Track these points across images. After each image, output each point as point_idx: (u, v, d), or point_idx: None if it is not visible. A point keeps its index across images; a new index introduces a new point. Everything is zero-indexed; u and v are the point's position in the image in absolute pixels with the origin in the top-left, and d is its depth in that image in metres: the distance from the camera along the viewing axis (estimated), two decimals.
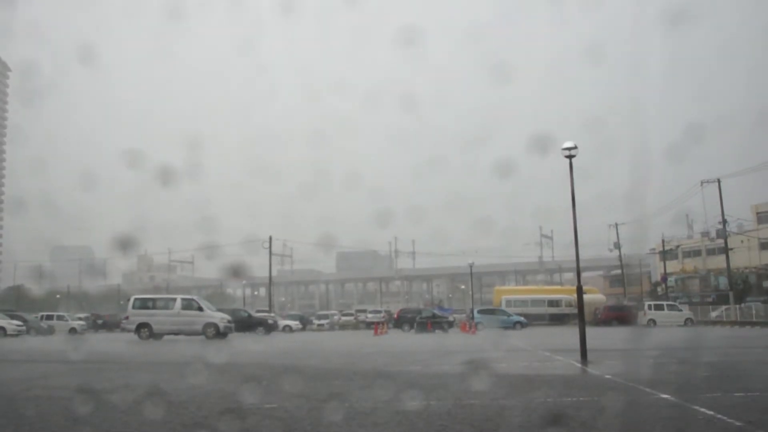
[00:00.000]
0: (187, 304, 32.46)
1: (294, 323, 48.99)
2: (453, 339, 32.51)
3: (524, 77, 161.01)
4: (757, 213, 68.78)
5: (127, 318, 33.08)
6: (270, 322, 43.41)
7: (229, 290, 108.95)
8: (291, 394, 10.61)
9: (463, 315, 56.18)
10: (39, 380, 13.48)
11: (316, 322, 55.08)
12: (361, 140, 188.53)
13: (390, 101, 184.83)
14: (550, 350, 20.87)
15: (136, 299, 33.72)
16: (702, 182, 52.70)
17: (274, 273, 77.80)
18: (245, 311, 44.78)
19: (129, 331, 32.42)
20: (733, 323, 45.47)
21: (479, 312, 50.83)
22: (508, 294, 60.99)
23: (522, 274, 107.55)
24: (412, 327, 44.16)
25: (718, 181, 51.34)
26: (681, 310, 49.36)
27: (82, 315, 58.81)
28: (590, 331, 18.37)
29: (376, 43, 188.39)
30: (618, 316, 51.67)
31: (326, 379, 13.06)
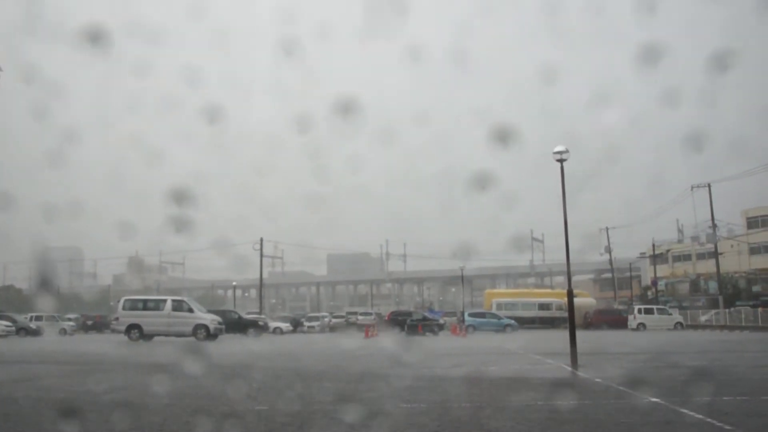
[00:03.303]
0: (178, 306, 32.35)
1: (284, 325, 48.83)
2: (443, 342, 32.51)
3: (519, 80, 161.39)
4: (747, 218, 69.16)
5: (117, 319, 32.96)
6: (260, 324, 43.28)
7: (220, 292, 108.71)
8: (281, 397, 10.60)
9: (454, 318, 56.20)
10: (26, 382, 13.43)
11: (307, 324, 54.91)
12: (355, 144, 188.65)
13: (387, 107, 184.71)
14: (541, 353, 20.91)
15: (126, 300, 33.57)
16: (692, 187, 52.90)
17: (265, 275, 77.71)
18: (236, 313, 44.57)
19: (119, 332, 32.30)
20: (722, 327, 45.66)
21: (470, 315, 50.85)
22: (499, 297, 61.00)
23: (513, 277, 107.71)
24: (402, 330, 44.13)
25: (709, 186, 51.60)
26: (671, 314, 49.52)
27: (71, 316, 58.58)
28: (580, 334, 18.43)
29: (376, 58, 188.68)
30: (608, 319, 51.84)
31: (316, 381, 13.05)
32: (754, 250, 67.03)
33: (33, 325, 45.46)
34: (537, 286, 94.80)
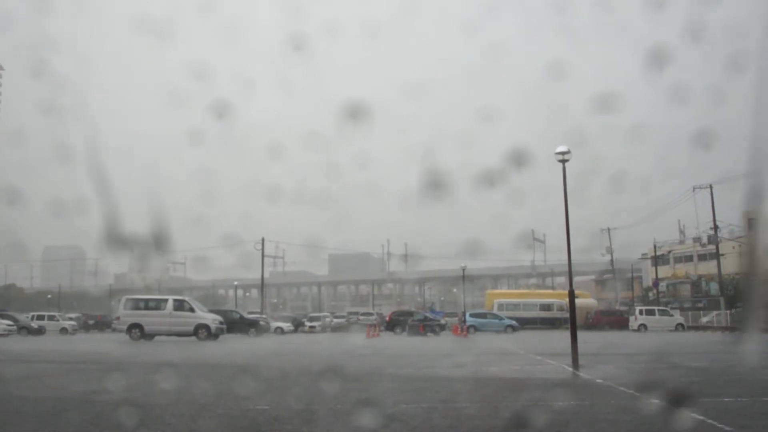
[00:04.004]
0: (179, 305, 32.40)
1: (286, 325, 48.86)
2: (445, 342, 32.51)
3: (523, 78, 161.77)
4: (749, 219, 69.00)
5: (118, 318, 33.01)
6: (261, 323, 43.32)
7: (221, 291, 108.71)
8: (283, 396, 10.61)
9: (456, 318, 56.19)
10: (28, 381, 13.45)
11: (308, 324, 54.95)
12: (356, 143, 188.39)
13: (392, 105, 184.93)
14: (542, 354, 20.91)
15: (127, 300, 33.59)
16: (694, 188, 52.90)
17: (267, 275, 77.70)
18: (237, 312, 44.63)
19: (120, 331, 32.36)
20: (723, 329, 45.61)
21: (471, 315, 50.85)
22: (501, 297, 61.00)
23: (514, 277, 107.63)
24: (403, 330, 44.13)
25: (710, 187, 51.56)
26: (672, 315, 49.47)
27: (73, 315, 58.66)
28: (581, 335, 18.43)
29: (381, 55, 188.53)
30: (609, 320, 51.83)
31: (317, 381, 13.06)
32: None
33: (34, 324, 45.54)
34: (538, 287, 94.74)
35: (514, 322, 48.31)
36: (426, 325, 43.54)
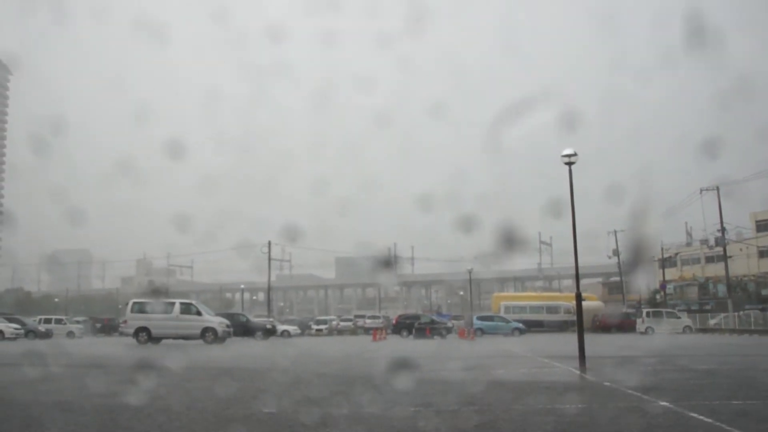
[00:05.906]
0: (186, 309, 32.41)
1: (292, 328, 48.89)
2: (451, 345, 32.46)
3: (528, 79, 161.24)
4: (756, 221, 68.80)
5: (125, 322, 33.04)
6: (268, 327, 43.32)
7: (228, 295, 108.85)
8: (291, 400, 10.61)
9: (462, 321, 56.11)
10: (37, 384, 13.48)
11: (315, 327, 54.99)
12: (360, 145, 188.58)
13: (392, 109, 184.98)
14: (549, 357, 20.86)
15: (134, 303, 33.58)
16: (701, 190, 52.72)
17: (273, 278, 77.77)
18: (244, 316, 44.66)
19: (127, 335, 32.40)
20: (731, 331, 45.44)
21: (478, 318, 50.76)
22: (507, 300, 60.92)
23: (521, 280, 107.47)
24: (410, 333, 44.08)
25: (717, 189, 51.36)
26: (679, 318, 49.31)
27: (80, 318, 58.83)
28: (589, 338, 18.38)
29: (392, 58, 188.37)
30: (616, 323, 51.64)
31: (324, 384, 13.05)
32: (763, 253, 66.69)
33: (42, 327, 45.66)
34: (545, 290, 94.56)
35: (521, 325, 48.21)
36: (433, 328, 43.50)
